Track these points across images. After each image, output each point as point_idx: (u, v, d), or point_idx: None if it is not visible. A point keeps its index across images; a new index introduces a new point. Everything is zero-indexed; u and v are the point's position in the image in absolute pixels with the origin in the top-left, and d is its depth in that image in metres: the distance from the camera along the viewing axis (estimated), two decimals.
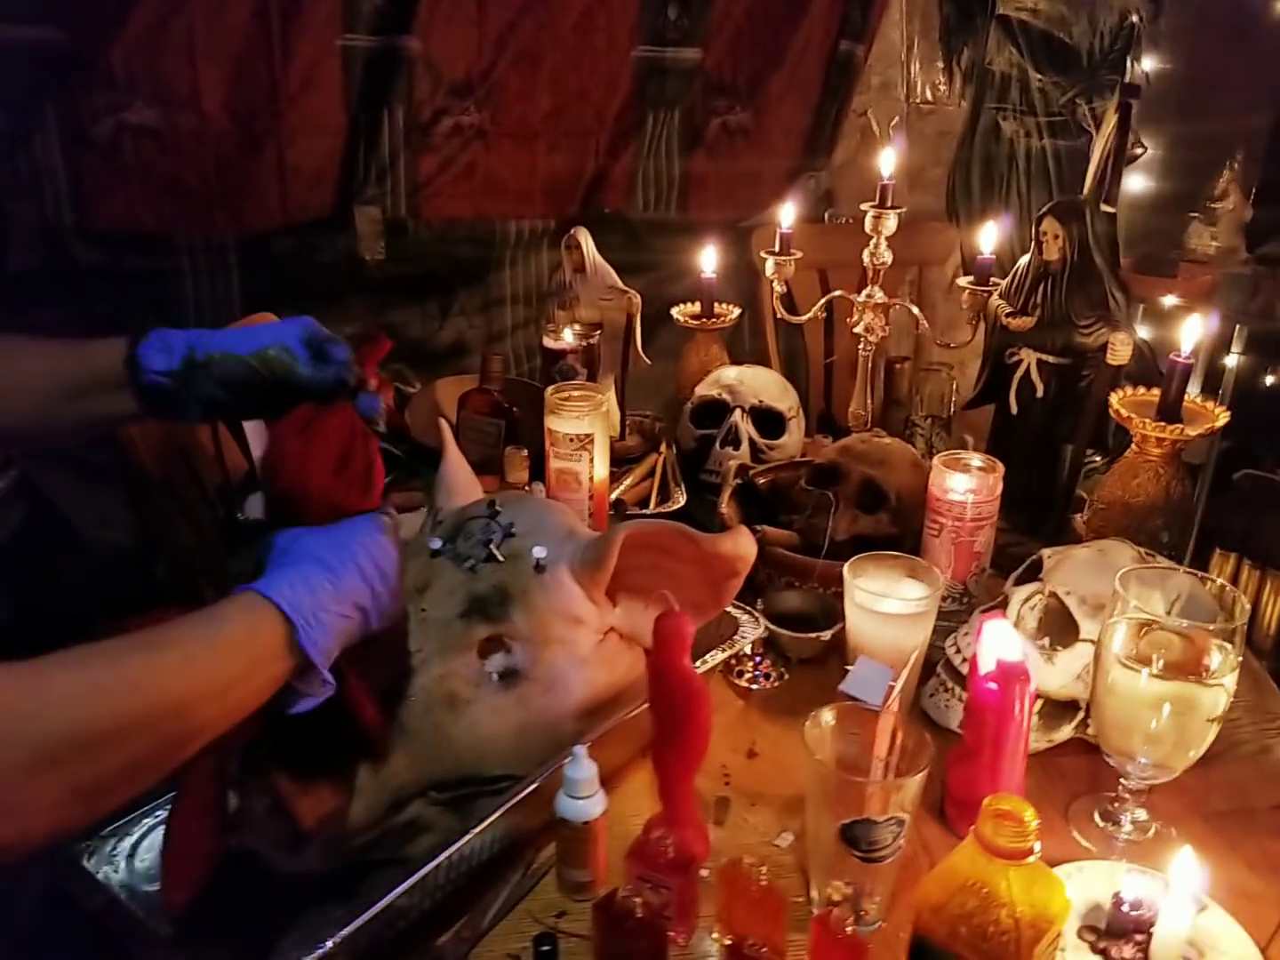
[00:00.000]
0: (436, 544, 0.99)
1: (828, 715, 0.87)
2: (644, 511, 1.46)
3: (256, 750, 0.85)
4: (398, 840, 0.91)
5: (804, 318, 1.61)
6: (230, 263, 2.14)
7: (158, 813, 0.96)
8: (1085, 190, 1.37)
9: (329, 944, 0.75)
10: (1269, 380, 2.65)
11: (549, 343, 1.51)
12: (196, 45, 1.95)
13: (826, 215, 2.77)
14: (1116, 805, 0.98)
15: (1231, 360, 2.61)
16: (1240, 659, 0.90)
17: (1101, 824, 0.99)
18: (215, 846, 0.85)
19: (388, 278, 2.29)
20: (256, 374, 0.85)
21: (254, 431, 1.51)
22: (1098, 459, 1.57)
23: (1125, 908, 0.84)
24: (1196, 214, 2.78)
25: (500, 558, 0.96)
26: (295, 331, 0.87)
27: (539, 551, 0.96)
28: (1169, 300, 2.67)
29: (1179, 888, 0.81)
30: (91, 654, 0.64)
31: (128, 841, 0.95)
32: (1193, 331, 1.18)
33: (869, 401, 1.61)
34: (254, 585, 0.74)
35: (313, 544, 0.79)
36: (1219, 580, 0.96)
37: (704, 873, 0.90)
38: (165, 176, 2.01)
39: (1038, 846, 0.69)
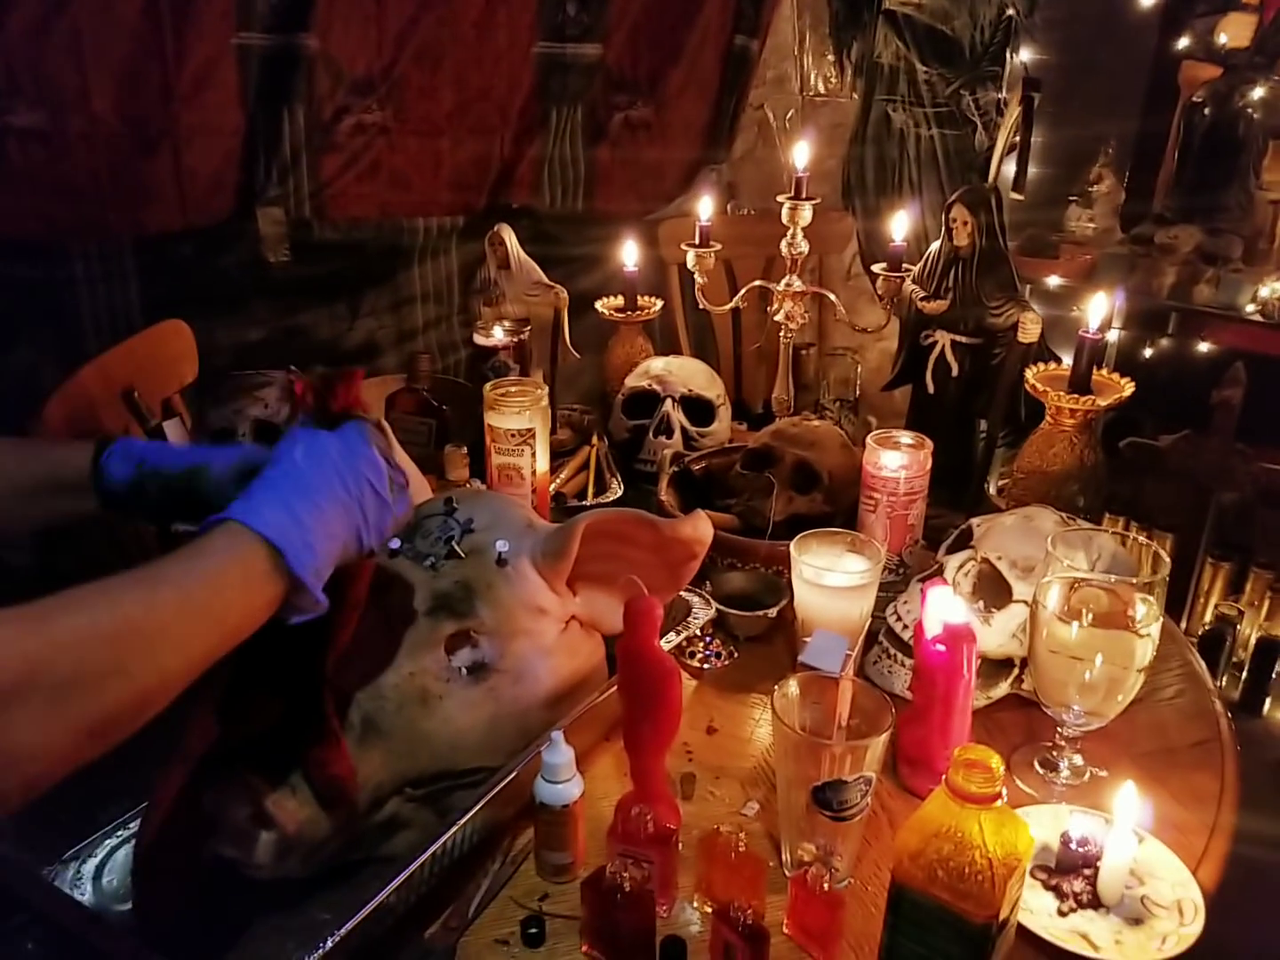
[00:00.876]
0: (396, 544, 0.99)
1: (793, 686, 0.91)
2: (584, 504, 1.48)
3: (234, 758, 0.85)
4: (376, 839, 0.92)
5: (726, 307, 1.65)
6: (128, 270, 2.07)
7: (120, 832, 0.96)
8: (990, 178, 1.44)
9: (329, 943, 0.75)
10: (1147, 352, 2.81)
11: (480, 340, 1.52)
12: (83, 44, 1.88)
13: (729, 207, 2.82)
14: (1054, 753, 1.05)
15: (1113, 335, 2.76)
16: (1162, 610, 0.97)
17: (1041, 771, 1.05)
18: (191, 859, 0.85)
19: (294, 279, 2.25)
20: (182, 487, 0.92)
21: (172, 428, 1.48)
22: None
23: (1073, 845, 0.90)
24: (1075, 198, 2.92)
25: (462, 554, 0.98)
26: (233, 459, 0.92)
27: (501, 545, 0.98)
28: (1053, 280, 2.81)
29: (1123, 821, 0.88)
30: (88, 595, 0.66)
31: (91, 863, 0.94)
32: (1099, 309, 1.26)
33: (790, 387, 1.66)
34: (235, 515, 0.74)
35: (297, 466, 0.79)
36: (1140, 538, 1.04)
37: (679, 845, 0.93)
38: (55, 181, 1.94)
39: (1004, 791, 0.74)
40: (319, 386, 0.86)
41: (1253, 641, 2.29)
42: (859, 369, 2.43)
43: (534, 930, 0.87)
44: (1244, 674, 2.30)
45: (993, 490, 1.69)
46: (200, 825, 0.84)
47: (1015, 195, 1.48)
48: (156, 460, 0.93)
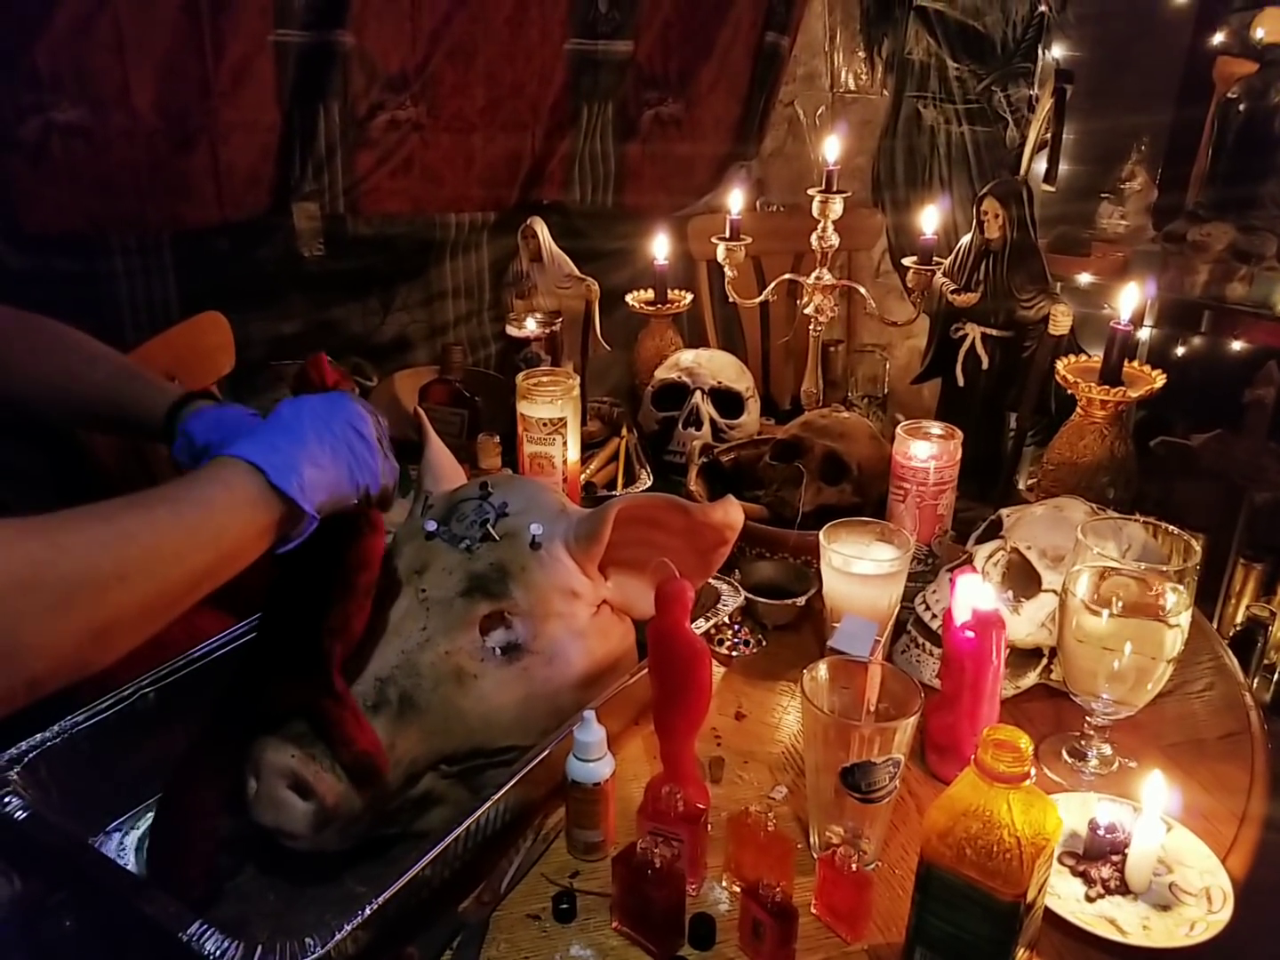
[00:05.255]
0: (432, 526, 1.01)
1: (822, 669, 0.92)
2: (614, 493, 1.49)
3: (273, 731, 0.87)
4: (411, 814, 0.93)
5: (756, 300, 1.66)
6: (166, 263, 2.10)
7: None
8: (1022, 172, 1.44)
9: (365, 912, 0.77)
10: (1179, 350, 2.79)
11: (512, 331, 1.53)
12: (125, 40, 1.91)
13: (758, 204, 2.83)
14: (1083, 742, 1.06)
15: (1145, 333, 2.74)
16: (1192, 599, 0.97)
17: (1069, 760, 1.06)
18: (220, 828, 0.87)
19: (328, 274, 2.27)
20: None
21: None
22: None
23: (1101, 831, 0.90)
24: (1107, 195, 2.91)
25: (496, 536, 0.99)
26: None
27: (535, 528, 0.99)
28: (1084, 278, 2.80)
29: (1151, 808, 0.88)
30: (89, 512, 0.70)
31: (134, 835, 0.96)
32: (1130, 300, 1.26)
33: (820, 381, 1.67)
34: (219, 451, 0.81)
35: (281, 417, 0.85)
36: (1171, 528, 1.04)
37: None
38: (96, 176, 1.97)
39: (1033, 772, 0.75)
40: (297, 376, 0.94)
41: None
42: (887, 365, 2.43)
43: (565, 906, 0.88)
44: (1275, 676, 2.28)
45: (1022, 486, 1.68)
46: (228, 794, 0.86)
47: (1046, 187, 1.47)
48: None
